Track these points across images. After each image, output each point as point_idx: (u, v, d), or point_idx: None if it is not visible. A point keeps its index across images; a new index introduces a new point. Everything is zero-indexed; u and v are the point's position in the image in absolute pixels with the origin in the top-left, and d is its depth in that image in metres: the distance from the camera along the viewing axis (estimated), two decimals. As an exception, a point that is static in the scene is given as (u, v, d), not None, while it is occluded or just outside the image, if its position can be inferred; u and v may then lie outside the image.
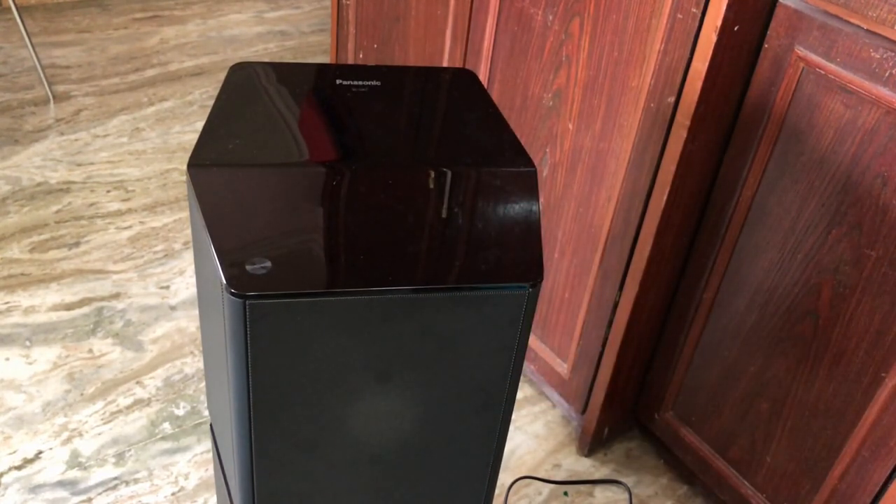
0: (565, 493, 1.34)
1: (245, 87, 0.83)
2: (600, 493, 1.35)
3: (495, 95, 1.34)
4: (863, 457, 1.04)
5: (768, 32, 0.99)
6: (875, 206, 0.94)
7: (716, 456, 1.25)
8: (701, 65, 1.00)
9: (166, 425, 1.36)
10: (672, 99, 1.05)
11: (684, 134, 1.05)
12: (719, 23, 0.96)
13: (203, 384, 1.44)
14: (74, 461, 1.29)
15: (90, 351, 1.47)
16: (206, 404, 1.40)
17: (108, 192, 1.84)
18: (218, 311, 0.69)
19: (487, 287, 0.70)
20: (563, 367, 1.39)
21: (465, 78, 0.90)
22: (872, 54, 0.89)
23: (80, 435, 1.33)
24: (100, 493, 1.25)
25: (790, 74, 0.98)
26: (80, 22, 2.51)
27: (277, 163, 0.73)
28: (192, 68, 2.36)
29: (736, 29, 0.98)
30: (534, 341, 1.44)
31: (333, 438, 0.76)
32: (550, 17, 1.19)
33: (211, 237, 0.66)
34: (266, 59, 2.47)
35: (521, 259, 0.72)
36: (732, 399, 1.19)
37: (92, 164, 1.92)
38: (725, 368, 1.19)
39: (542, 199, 1.32)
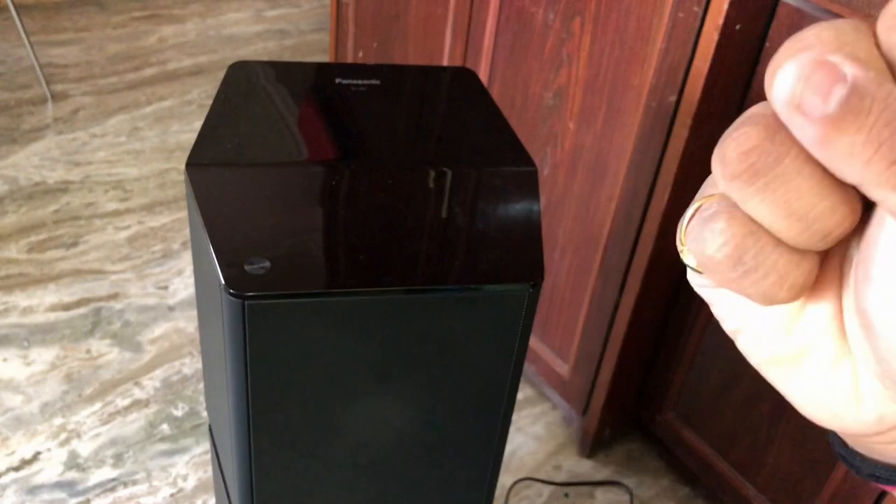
0: (566, 495, 1.33)
1: (244, 86, 0.82)
2: (601, 494, 1.34)
3: (496, 94, 1.34)
4: (865, 458, 1.03)
5: (770, 31, 0.99)
6: (878, 205, 0.94)
7: (718, 457, 1.25)
8: (702, 63, 0.99)
9: (165, 426, 1.35)
10: (674, 98, 1.04)
11: (686, 133, 1.04)
12: (721, 21, 0.96)
13: (201, 385, 1.43)
14: (72, 462, 1.28)
15: (88, 351, 1.46)
16: (204, 405, 1.39)
17: (106, 191, 1.84)
18: (216, 312, 0.68)
19: (487, 287, 0.69)
20: (563, 368, 1.39)
21: (465, 77, 0.89)
22: (875, 53, 0.89)
23: (79, 436, 1.32)
24: (98, 495, 1.24)
25: (792, 73, 0.97)
26: (79, 21, 2.50)
27: (276, 162, 0.72)
28: (191, 67, 2.36)
29: (738, 28, 0.98)
30: (534, 342, 1.43)
31: (333, 439, 0.75)
32: (551, 16, 1.19)
33: (209, 237, 0.66)
34: (265, 58, 2.46)
35: (522, 259, 0.71)
36: (734, 400, 1.19)
37: (90, 163, 1.92)
38: (727, 369, 1.18)
39: (542, 199, 1.32)
